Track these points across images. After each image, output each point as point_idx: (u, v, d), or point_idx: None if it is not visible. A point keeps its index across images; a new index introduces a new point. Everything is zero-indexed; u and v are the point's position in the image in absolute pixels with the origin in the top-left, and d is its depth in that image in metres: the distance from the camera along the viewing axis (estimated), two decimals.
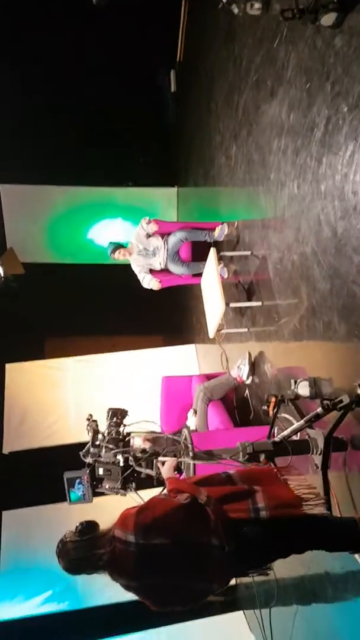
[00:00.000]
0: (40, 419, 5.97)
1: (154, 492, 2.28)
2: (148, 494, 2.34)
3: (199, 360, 6.43)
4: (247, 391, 4.29)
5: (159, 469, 2.29)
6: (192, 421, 4.20)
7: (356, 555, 2.23)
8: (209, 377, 4.49)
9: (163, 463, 2.29)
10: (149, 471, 2.31)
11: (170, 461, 2.26)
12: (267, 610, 4.25)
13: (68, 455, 5.22)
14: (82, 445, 2.90)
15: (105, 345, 8.17)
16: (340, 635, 3.01)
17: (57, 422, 5.99)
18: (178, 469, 2.28)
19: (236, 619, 4.53)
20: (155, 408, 4.93)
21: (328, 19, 2.40)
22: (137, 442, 2.97)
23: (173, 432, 4.33)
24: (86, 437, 2.76)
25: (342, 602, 2.90)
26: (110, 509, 2.55)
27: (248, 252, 4.05)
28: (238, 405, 4.42)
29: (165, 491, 2.12)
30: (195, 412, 4.15)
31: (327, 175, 2.61)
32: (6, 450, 5.90)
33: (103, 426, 2.85)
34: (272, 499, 2.00)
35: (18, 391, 6.11)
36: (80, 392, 6.09)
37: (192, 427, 4.19)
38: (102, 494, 2.57)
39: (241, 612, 4.61)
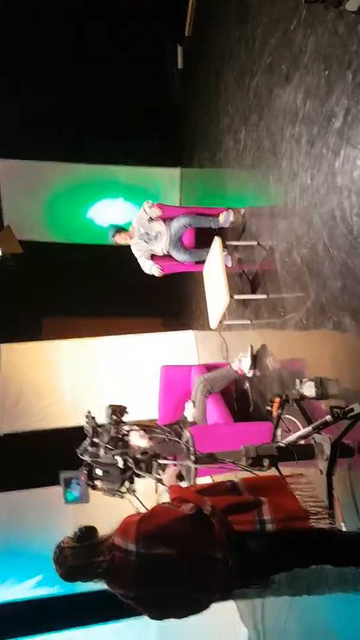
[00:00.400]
0: (35, 402, 5.90)
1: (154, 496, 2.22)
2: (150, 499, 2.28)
3: (198, 347, 6.35)
4: (247, 384, 4.21)
5: (159, 473, 2.21)
6: (189, 412, 4.13)
7: None
8: (208, 367, 4.40)
9: (164, 469, 2.21)
10: (149, 475, 2.22)
11: (172, 469, 2.17)
12: (260, 601, 4.28)
13: (63, 439, 5.22)
14: (77, 429, 2.82)
15: (102, 327, 8.07)
16: (332, 627, 2.99)
17: (52, 405, 5.92)
18: (180, 476, 2.19)
19: (228, 609, 4.52)
20: (153, 395, 4.86)
21: (353, 4, 2.26)
22: (135, 439, 2.90)
23: (171, 422, 4.28)
24: (82, 421, 2.68)
25: (335, 595, 2.87)
26: (107, 501, 2.50)
27: (254, 242, 3.92)
28: (237, 397, 4.34)
29: (168, 499, 2.04)
30: (194, 403, 4.07)
31: (344, 169, 2.49)
32: (0, 432, 5.83)
33: (101, 416, 2.77)
34: (278, 511, 1.93)
35: (13, 372, 6.02)
36: (77, 376, 6.01)
37: (190, 419, 4.12)
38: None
39: (233, 603, 4.60)
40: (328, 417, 2.17)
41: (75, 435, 2.89)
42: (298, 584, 3.31)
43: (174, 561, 1.76)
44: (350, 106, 2.40)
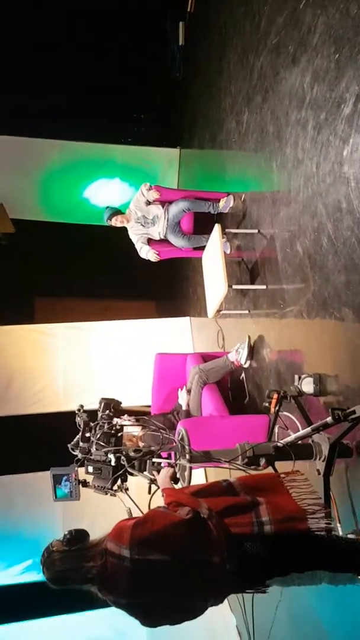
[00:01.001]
0: (27, 386, 5.80)
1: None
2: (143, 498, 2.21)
3: (193, 334, 6.26)
4: (243, 374, 4.14)
5: (153, 473, 2.13)
6: (183, 399, 4.06)
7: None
8: (204, 357, 4.32)
9: (158, 469, 2.13)
10: (142, 474, 2.15)
11: (166, 471, 2.10)
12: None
13: (55, 424, 5.15)
14: (69, 414, 2.74)
15: (96, 309, 7.98)
16: (320, 617, 2.97)
17: (45, 389, 5.83)
18: (174, 478, 2.12)
19: None
20: (147, 382, 4.79)
21: None
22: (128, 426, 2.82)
23: (164, 412, 4.22)
24: (74, 406, 2.60)
25: (324, 587, 2.85)
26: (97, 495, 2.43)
27: (255, 231, 3.81)
28: (233, 388, 4.28)
29: (160, 499, 1.97)
30: (188, 391, 4.00)
31: (352, 158, 2.37)
32: None
33: (94, 403, 2.69)
34: (276, 512, 1.86)
35: (4, 356, 5.91)
36: (70, 360, 5.92)
37: (184, 406, 4.05)
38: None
39: None
40: (329, 419, 2.09)
41: (67, 420, 2.82)
42: (289, 578, 3.29)
43: (169, 568, 1.69)
44: None
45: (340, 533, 2.28)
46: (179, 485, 2.15)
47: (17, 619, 4.74)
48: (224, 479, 2.06)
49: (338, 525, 2.34)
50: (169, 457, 2.36)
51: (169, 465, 2.15)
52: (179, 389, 4.18)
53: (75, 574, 1.75)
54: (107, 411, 2.40)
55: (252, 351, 3.90)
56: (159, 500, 2.08)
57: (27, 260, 7.57)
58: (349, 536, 2.12)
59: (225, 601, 4.60)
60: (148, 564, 1.68)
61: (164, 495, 1.94)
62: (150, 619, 1.80)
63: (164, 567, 1.70)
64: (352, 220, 2.37)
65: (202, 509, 1.79)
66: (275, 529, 1.82)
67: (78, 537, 1.81)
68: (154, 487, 2.16)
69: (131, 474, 2.24)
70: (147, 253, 4.88)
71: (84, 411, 2.45)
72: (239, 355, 3.91)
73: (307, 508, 1.94)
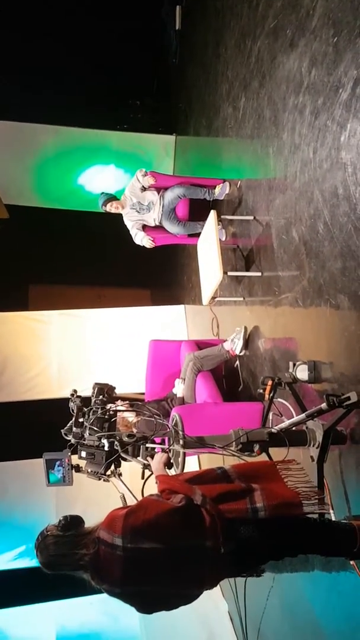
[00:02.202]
0: (21, 372, 5.79)
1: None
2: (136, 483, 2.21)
3: (188, 322, 6.25)
4: (237, 362, 4.13)
5: (147, 459, 2.13)
6: (179, 389, 4.05)
7: (352, 561, 2.13)
8: (199, 344, 4.31)
9: (152, 456, 2.13)
10: (135, 460, 2.14)
11: (159, 456, 2.09)
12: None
13: (49, 411, 5.14)
14: (63, 401, 2.73)
15: (90, 296, 7.96)
16: (313, 604, 2.99)
17: (39, 376, 5.82)
18: (169, 464, 2.12)
19: None
20: (141, 370, 4.77)
21: None
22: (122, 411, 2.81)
23: (159, 398, 4.21)
24: (68, 393, 2.59)
25: (317, 573, 2.87)
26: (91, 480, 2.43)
27: (250, 217, 3.79)
28: (227, 375, 4.27)
29: (154, 484, 1.96)
30: (184, 380, 3.99)
31: (350, 143, 2.35)
32: None
33: (88, 389, 2.68)
34: (271, 498, 1.86)
35: None
36: (64, 347, 5.91)
37: (179, 395, 4.04)
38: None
39: None
40: (323, 405, 2.09)
41: (61, 407, 2.81)
42: (282, 563, 3.31)
43: (162, 555, 1.69)
44: None
45: (334, 519, 2.29)
46: (172, 471, 2.15)
47: (10, 605, 4.76)
48: (219, 466, 2.06)
49: (331, 511, 2.35)
50: (162, 443, 2.36)
51: (163, 450, 2.14)
52: (177, 380, 4.17)
53: (67, 560, 1.74)
54: (101, 396, 2.39)
55: (247, 341, 3.89)
56: (152, 485, 2.08)
57: (21, 247, 7.52)
58: (343, 521, 2.12)
59: (218, 587, 4.64)
60: (141, 552, 1.68)
61: (157, 482, 1.94)
62: (145, 606, 1.80)
63: (157, 554, 1.69)
64: (348, 207, 2.35)
65: (195, 496, 1.79)
66: (269, 514, 1.83)
67: (73, 523, 1.81)
68: (147, 473, 2.15)
69: (124, 459, 2.24)
70: (142, 239, 4.85)
71: (78, 396, 2.43)
72: (234, 345, 3.90)
73: (301, 494, 1.95)
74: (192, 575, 1.74)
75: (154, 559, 1.68)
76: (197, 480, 1.92)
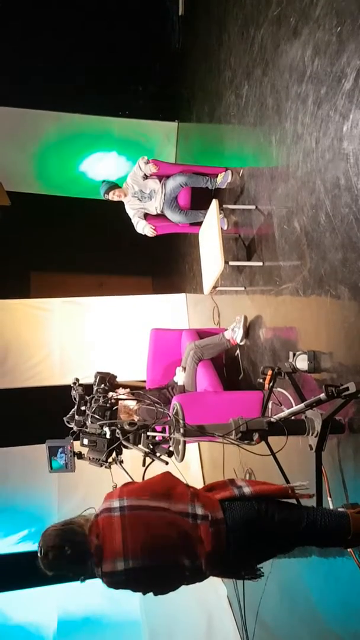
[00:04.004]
0: (23, 359, 5.83)
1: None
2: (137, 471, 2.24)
3: (189, 310, 6.27)
4: (237, 351, 4.15)
5: (147, 445, 2.16)
6: (180, 377, 4.09)
7: (349, 549, 2.17)
8: (200, 333, 4.33)
9: (153, 444, 2.17)
10: (136, 447, 2.17)
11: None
12: None
13: (51, 398, 5.18)
14: (65, 388, 2.77)
15: (92, 284, 7.97)
16: (310, 589, 3.04)
17: (41, 363, 5.86)
18: (169, 452, 2.15)
19: None
20: (142, 358, 4.80)
21: None
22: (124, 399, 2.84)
23: (160, 386, 4.25)
24: (70, 380, 2.63)
25: (314, 559, 2.92)
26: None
27: (252, 207, 3.79)
28: (227, 364, 4.30)
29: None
30: (184, 369, 4.02)
31: (352, 134, 2.35)
32: None
33: (89, 377, 2.71)
34: (253, 482, 2.01)
35: (1, 329, 5.92)
36: (66, 335, 5.94)
37: (180, 384, 4.08)
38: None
39: None
40: (322, 396, 2.11)
41: (63, 394, 2.84)
42: None
43: (161, 516, 1.77)
44: None
45: (332, 507, 2.33)
46: (172, 459, 2.18)
47: (12, 588, 4.84)
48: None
49: (329, 499, 2.39)
50: (163, 431, 2.39)
51: (163, 439, 2.19)
52: (178, 368, 4.20)
53: (72, 546, 1.78)
54: (103, 385, 2.42)
55: (248, 330, 3.91)
56: (152, 473, 2.11)
57: (23, 234, 7.51)
58: (339, 509, 2.16)
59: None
60: (139, 510, 1.76)
61: None
62: (147, 584, 1.84)
63: (155, 513, 1.77)
64: (350, 197, 2.36)
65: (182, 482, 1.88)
66: (254, 490, 1.93)
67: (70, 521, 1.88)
68: (148, 460, 2.19)
69: (126, 447, 2.27)
70: (143, 228, 4.85)
71: (80, 384, 2.47)
72: (234, 334, 3.93)
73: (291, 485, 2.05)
74: (190, 540, 1.77)
75: (152, 518, 1.74)
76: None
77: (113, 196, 4.90)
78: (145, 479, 2.00)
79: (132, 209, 4.89)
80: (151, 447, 2.13)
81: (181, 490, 1.88)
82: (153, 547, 1.75)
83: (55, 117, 6.61)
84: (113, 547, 1.73)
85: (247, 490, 1.92)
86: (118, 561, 1.73)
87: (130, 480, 2.18)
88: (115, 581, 1.75)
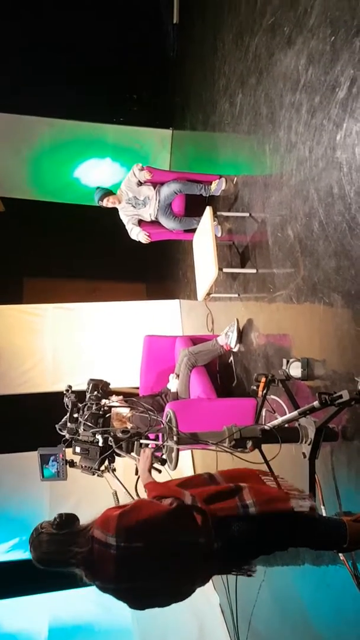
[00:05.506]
0: (15, 365, 5.80)
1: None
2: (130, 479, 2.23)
3: (183, 317, 6.27)
4: (231, 357, 4.15)
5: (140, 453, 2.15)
6: (173, 384, 4.08)
7: (341, 556, 2.17)
8: (193, 339, 4.33)
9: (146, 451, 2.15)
10: (129, 455, 2.16)
11: (143, 462, 2.09)
12: None
13: (43, 404, 5.15)
14: (57, 395, 2.75)
15: (85, 290, 7.95)
16: (302, 597, 3.03)
17: (33, 369, 5.83)
18: (162, 460, 2.14)
19: None
20: (135, 365, 4.79)
21: None
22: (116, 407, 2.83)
23: (153, 393, 4.24)
24: (62, 386, 2.62)
25: (307, 566, 2.91)
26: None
27: (246, 214, 3.80)
28: (221, 370, 4.30)
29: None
30: (178, 376, 4.01)
31: (345, 143, 2.36)
32: None
33: (81, 385, 2.70)
34: (259, 495, 1.90)
35: None
36: (59, 341, 5.91)
37: (173, 390, 4.07)
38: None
39: None
40: (315, 403, 2.11)
41: (55, 400, 2.82)
42: (273, 557, 3.35)
43: (155, 554, 1.72)
44: (356, 76, 2.26)
45: (325, 515, 2.33)
46: (166, 467, 2.17)
47: (3, 596, 4.79)
48: (206, 472, 2.11)
49: (322, 507, 2.39)
50: (156, 439, 2.38)
51: (150, 450, 2.16)
52: (171, 375, 4.19)
53: (61, 557, 1.76)
54: (95, 392, 2.41)
55: (241, 335, 3.91)
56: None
57: (16, 240, 7.50)
58: (333, 516, 2.16)
59: (210, 581, 4.69)
60: (134, 551, 1.71)
61: (146, 490, 1.97)
62: (137, 602, 1.83)
63: (150, 553, 1.72)
64: (343, 206, 2.37)
65: (185, 497, 1.82)
66: (260, 510, 1.86)
67: (67, 521, 1.83)
68: None
69: (118, 455, 2.26)
70: (137, 234, 4.86)
71: (72, 392, 2.45)
72: (228, 339, 3.92)
73: (288, 492, 2.00)
74: (185, 573, 1.77)
75: (146, 557, 1.71)
76: (186, 484, 1.96)
77: (107, 203, 4.90)
78: (139, 490, 1.98)
79: (126, 216, 4.89)
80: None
81: (183, 527, 1.78)
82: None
83: (49, 124, 6.62)
84: (106, 574, 1.72)
85: (252, 510, 1.85)
86: (108, 585, 1.73)
87: (122, 488, 2.17)
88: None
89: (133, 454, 2.18)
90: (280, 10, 3.17)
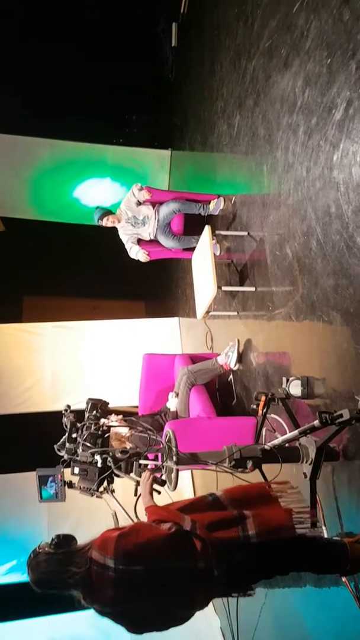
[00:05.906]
0: (14, 385, 5.77)
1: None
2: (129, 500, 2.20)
3: (182, 335, 6.26)
4: (231, 376, 4.14)
5: (139, 473, 2.13)
6: (172, 403, 4.06)
7: (343, 578, 2.13)
8: (193, 358, 4.32)
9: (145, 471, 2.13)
10: (128, 476, 2.14)
11: (144, 485, 2.08)
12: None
13: (41, 424, 5.12)
14: (56, 414, 2.73)
15: (85, 308, 7.97)
16: (304, 619, 2.98)
17: (32, 388, 5.80)
18: (161, 482, 2.12)
19: None
20: (134, 383, 4.77)
21: None
22: (116, 426, 2.81)
23: (152, 412, 4.21)
24: (61, 406, 2.60)
25: (309, 589, 2.86)
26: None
27: (244, 233, 3.82)
28: (221, 389, 4.28)
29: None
30: (177, 394, 4.00)
31: (342, 163, 2.39)
32: None
33: (80, 404, 2.68)
34: (263, 524, 1.88)
35: None
36: (58, 360, 5.90)
37: (173, 409, 4.04)
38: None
39: None
40: (316, 423, 2.09)
41: (54, 420, 2.80)
42: (274, 580, 3.30)
43: (154, 578, 1.70)
44: (353, 98, 2.30)
45: (326, 535, 2.30)
46: (165, 488, 2.15)
47: (1, 620, 4.70)
48: (210, 492, 2.08)
49: (323, 527, 2.35)
50: (155, 459, 2.36)
51: (151, 472, 2.14)
52: (170, 393, 4.17)
53: (58, 577, 1.74)
54: (94, 412, 2.39)
55: (241, 355, 3.91)
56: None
57: (17, 259, 7.53)
58: (334, 538, 2.13)
59: (210, 603, 4.62)
60: (132, 574, 1.69)
61: (147, 514, 1.95)
62: (135, 626, 1.80)
63: (148, 577, 1.70)
64: (340, 225, 2.38)
65: (184, 523, 1.80)
66: (261, 540, 1.84)
67: (65, 541, 1.81)
68: (140, 489, 2.15)
69: (117, 476, 2.24)
70: (137, 253, 4.88)
71: (71, 411, 2.44)
72: (228, 359, 3.92)
73: (294, 517, 1.96)
74: (184, 597, 1.74)
75: (145, 581, 1.69)
76: (189, 508, 1.94)
77: (107, 222, 4.93)
78: (138, 512, 1.96)
79: (126, 235, 4.92)
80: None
81: (182, 553, 1.78)
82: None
83: (49, 145, 6.69)
84: (103, 597, 1.70)
85: (254, 540, 1.85)
86: (106, 608, 1.71)
87: (121, 509, 2.14)
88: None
89: (132, 474, 2.16)
90: (277, 33, 3.23)
